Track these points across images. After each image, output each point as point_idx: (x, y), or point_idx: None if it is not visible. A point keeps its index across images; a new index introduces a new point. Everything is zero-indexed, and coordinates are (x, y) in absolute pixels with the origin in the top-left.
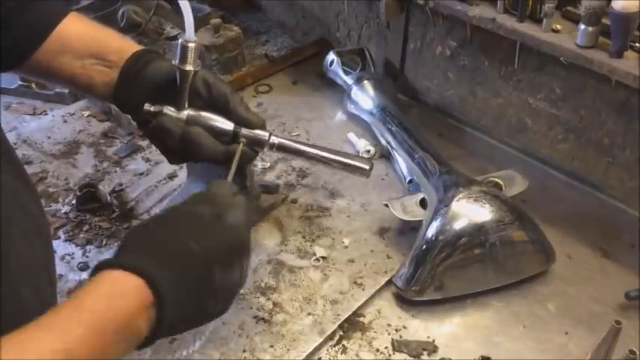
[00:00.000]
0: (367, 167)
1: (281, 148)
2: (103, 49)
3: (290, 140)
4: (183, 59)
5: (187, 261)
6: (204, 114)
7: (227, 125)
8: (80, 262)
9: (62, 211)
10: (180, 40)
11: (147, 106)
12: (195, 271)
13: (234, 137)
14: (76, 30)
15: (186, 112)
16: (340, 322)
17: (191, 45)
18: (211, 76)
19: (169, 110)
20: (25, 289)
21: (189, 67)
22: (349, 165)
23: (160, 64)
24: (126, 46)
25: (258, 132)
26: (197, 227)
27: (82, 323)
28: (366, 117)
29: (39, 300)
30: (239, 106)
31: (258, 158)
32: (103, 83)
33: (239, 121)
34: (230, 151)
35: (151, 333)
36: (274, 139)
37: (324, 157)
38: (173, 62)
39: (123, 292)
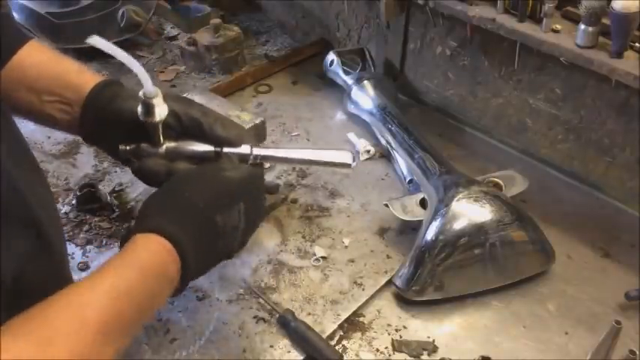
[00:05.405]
0: (349, 162)
1: (264, 158)
2: (60, 84)
3: (271, 149)
4: (148, 114)
5: (196, 217)
6: (182, 143)
7: (207, 148)
8: (80, 262)
9: (62, 211)
10: (140, 95)
11: (122, 147)
12: (203, 223)
13: (216, 158)
14: (33, 61)
15: (164, 146)
16: (340, 322)
17: (153, 100)
18: (179, 103)
19: (147, 147)
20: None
21: (156, 120)
22: (332, 162)
23: (122, 104)
24: (84, 82)
25: (239, 149)
26: (201, 186)
27: (135, 268)
28: (366, 117)
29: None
30: (214, 126)
31: None
32: (66, 121)
33: (218, 142)
34: None
35: (180, 281)
36: (256, 152)
37: (306, 160)
38: (139, 116)
39: (157, 250)
